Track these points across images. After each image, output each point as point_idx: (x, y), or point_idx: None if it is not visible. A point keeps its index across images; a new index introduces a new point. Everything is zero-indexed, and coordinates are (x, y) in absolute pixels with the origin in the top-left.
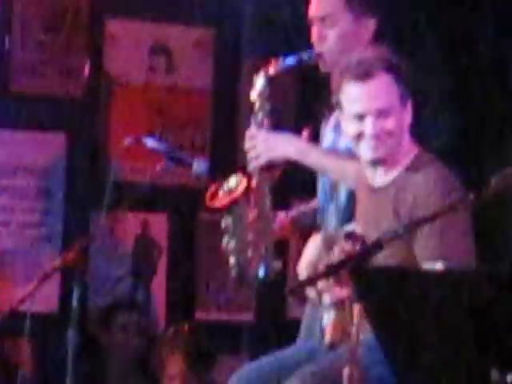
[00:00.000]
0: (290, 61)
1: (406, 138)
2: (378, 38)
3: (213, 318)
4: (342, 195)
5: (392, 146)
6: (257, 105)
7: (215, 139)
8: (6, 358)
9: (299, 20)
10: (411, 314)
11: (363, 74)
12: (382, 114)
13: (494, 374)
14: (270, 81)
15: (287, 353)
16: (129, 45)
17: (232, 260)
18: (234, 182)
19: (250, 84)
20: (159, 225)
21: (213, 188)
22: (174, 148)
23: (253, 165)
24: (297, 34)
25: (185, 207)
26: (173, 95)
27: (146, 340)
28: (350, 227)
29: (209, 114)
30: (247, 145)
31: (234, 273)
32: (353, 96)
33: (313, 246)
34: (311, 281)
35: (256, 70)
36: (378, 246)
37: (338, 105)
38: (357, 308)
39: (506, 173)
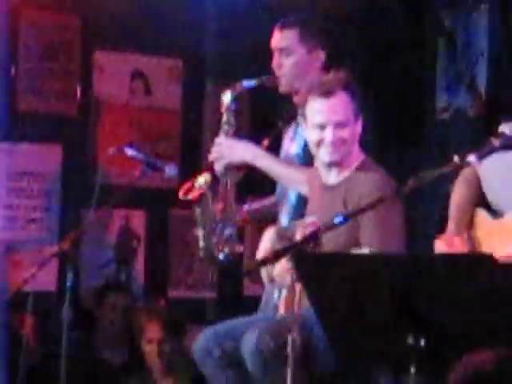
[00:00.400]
0: (252, 83)
1: (356, 146)
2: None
3: (182, 295)
4: (292, 195)
5: (345, 152)
6: (224, 117)
7: (183, 149)
8: (13, 330)
9: (252, 51)
10: (340, 290)
11: (326, 91)
12: (339, 125)
13: (410, 339)
14: (235, 98)
15: (244, 319)
16: (113, 72)
17: (200, 243)
18: (203, 180)
19: (211, 105)
20: (138, 219)
21: (185, 184)
22: (149, 156)
23: (217, 165)
24: (249, 63)
25: (159, 205)
26: (149, 113)
27: (129, 314)
28: (310, 219)
29: (178, 128)
30: (214, 149)
31: (201, 254)
32: (316, 109)
33: (267, 237)
34: (262, 264)
35: (217, 94)
36: (316, 234)
37: (303, 116)
38: (298, 286)
39: (419, 176)
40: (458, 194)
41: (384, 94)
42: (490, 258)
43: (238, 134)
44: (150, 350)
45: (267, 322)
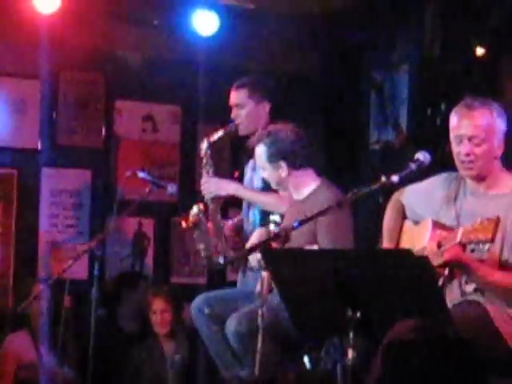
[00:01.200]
0: (221, 132)
1: (310, 174)
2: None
3: (181, 281)
4: (252, 214)
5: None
6: (204, 161)
7: (181, 173)
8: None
9: None
10: (298, 278)
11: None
12: None
13: (349, 312)
14: (210, 146)
15: (227, 290)
16: (129, 115)
17: (202, 254)
18: (196, 209)
19: (202, 139)
20: (148, 225)
21: (183, 218)
22: (155, 178)
23: (207, 197)
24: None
25: (163, 214)
26: (156, 146)
27: (142, 294)
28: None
29: (178, 157)
30: (203, 186)
31: (205, 261)
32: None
33: (255, 236)
34: (241, 257)
35: (208, 133)
36: (282, 233)
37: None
38: (267, 273)
39: (355, 191)
40: (388, 217)
41: (331, 132)
42: (406, 252)
43: (221, 166)
44: (155, 319)
45: (246, 305)
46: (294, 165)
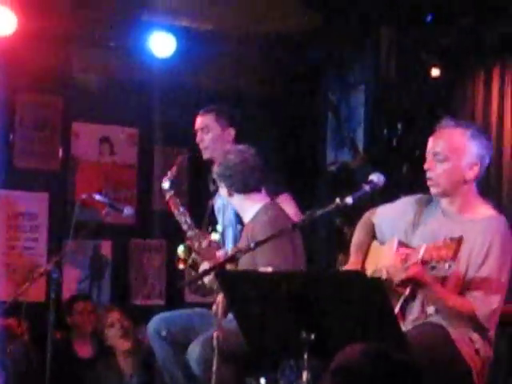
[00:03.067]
0: (174, 168)
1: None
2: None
3: (139, 303)
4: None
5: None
6: (174, 211)
7: (139, 194)
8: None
9: (186, 123)
10: (252, 300)
11: None
12: None
13: (304, 334)
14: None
15: (184, 310)
16: (86, 138)
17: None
18: (182, 249)
19: (158, 162)
20: (106, 247)
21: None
22: (112, 200)
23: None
24: (184, 132)
25: (121, 236)
26: (113, 168)
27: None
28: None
29: (135, 180)
30: (183, 225)
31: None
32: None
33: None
34: (196, 279)
35: (162, 154)
36: (234, 257)
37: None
38: (221, 295)
39: (309, 213)
40: (357, 236)
41: (288, 153)
42: (358, 273)
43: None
44: (113, 333)
45: (204, 327)
46: (238, 187)
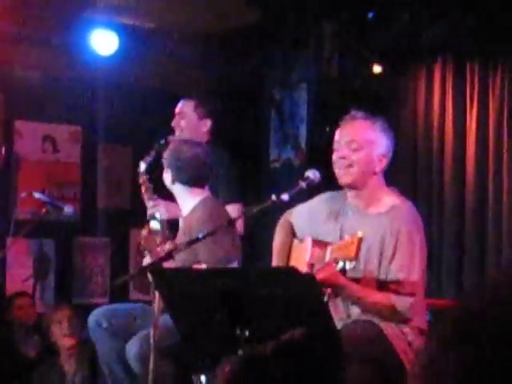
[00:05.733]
0: (153, 153)
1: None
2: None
3: (84, 302)
4: None
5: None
6: (143, 188)
7: (82, 192)
8: None
9: (131, 120)
10: (186, 298)
11: None
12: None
13: (237, 331)
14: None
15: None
16: (29, 136)
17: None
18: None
19: (103, 159)
20: (49, 245)
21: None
22: (52, 199)
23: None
24: (130, 128)
25: (64, 234)
26: (56, 167)
27: (38, 315)
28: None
29: (78, 178)
30: (151, 209)
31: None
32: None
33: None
34: (133, 276)
35: (106, 152)
36: (170, 254)
37: None
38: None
39: (248, 209)
40: (277, 237)
41: (232, 151)
42: (291, 269)
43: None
44: (60, 330)
45: (145, 322)
46: (183, 179)
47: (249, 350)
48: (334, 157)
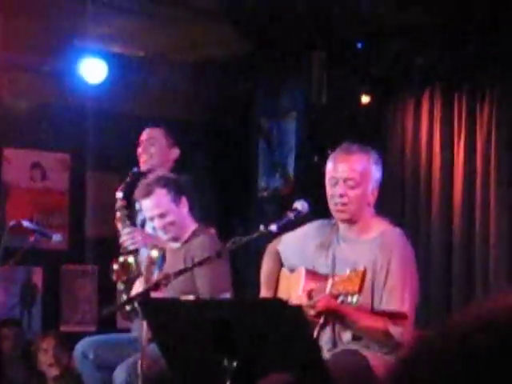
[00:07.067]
0: (128, 179)
1: (187, 220)
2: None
3: (71, 329)
4: None
5: (176, 229)
6: (118, 214)
7: (70, 220)
8: None
9: (120, 148)
10: (175, 328)
11: (146, 193)
12: (162, 215)
13: (226, 361)
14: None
15: (113, 335)
16: (17, 163)
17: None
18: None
19: (91, 187)
20: (37, 274)
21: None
22: (41, 227)
23: (135, 246)
24: (118, 156)
25: (52, 262)
26: (45, 194)
27: (26, 343)
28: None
29: (67, 205)
30: (126, 236)
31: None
32: (144, 207)
33: (138, 284)
34: (121, 306)
35: (95, 179)
36: (163, 282)
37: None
38: (145, 323)
39: (233, 240)
40: (265, 266)
41: (222, 179)
42: (279, 302)
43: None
44: (45, 359)
45: (132, 352)
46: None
47: None
48: (330, 192)
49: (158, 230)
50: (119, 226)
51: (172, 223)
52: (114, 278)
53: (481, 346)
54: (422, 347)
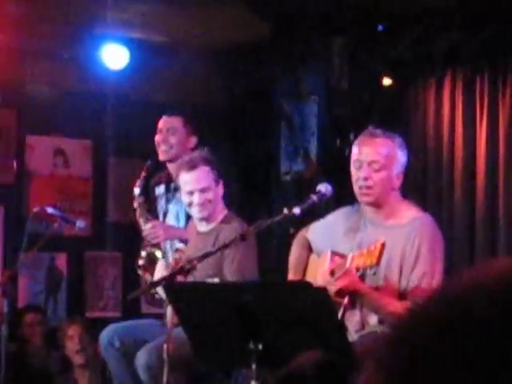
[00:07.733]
0: (144, 173)
1: (220, 204)
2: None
3: (96, 315)
4: None
5: (212, 209)
6: (138, 211)
7: (93, 206)
8: None
9: (140, 135)
10: (200, 312)
11: (190, 167)
12: (203, 190)
13: (251, 344)
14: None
15: (139, 321)
16: (40, 150)
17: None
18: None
19: (113, 174)
20: (61, 259)
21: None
22: (64, 213)
23: (158, 240)
24: (139, 143)
25: (75, 248)
26: (68, 181)
27: (51, 330)
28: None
29: (90, 192)
30: (148, 231)
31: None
32: (185, 180)
33: (161, 268)
34: (146, 291)
35: (117, 166)
36: (187, 266)
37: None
38: (170, 308)
39: (257, 223)
40: (293, 252)
41: (244, 163)
42: (304, 284)
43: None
44: (72, 346)
45: (157, 337)
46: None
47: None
48: (355, 176)
49: (195, 206)
50: (141, 222)
51: (210, 201)
52: (141, 272)
53: (480, 311)
54: (419, 314)
